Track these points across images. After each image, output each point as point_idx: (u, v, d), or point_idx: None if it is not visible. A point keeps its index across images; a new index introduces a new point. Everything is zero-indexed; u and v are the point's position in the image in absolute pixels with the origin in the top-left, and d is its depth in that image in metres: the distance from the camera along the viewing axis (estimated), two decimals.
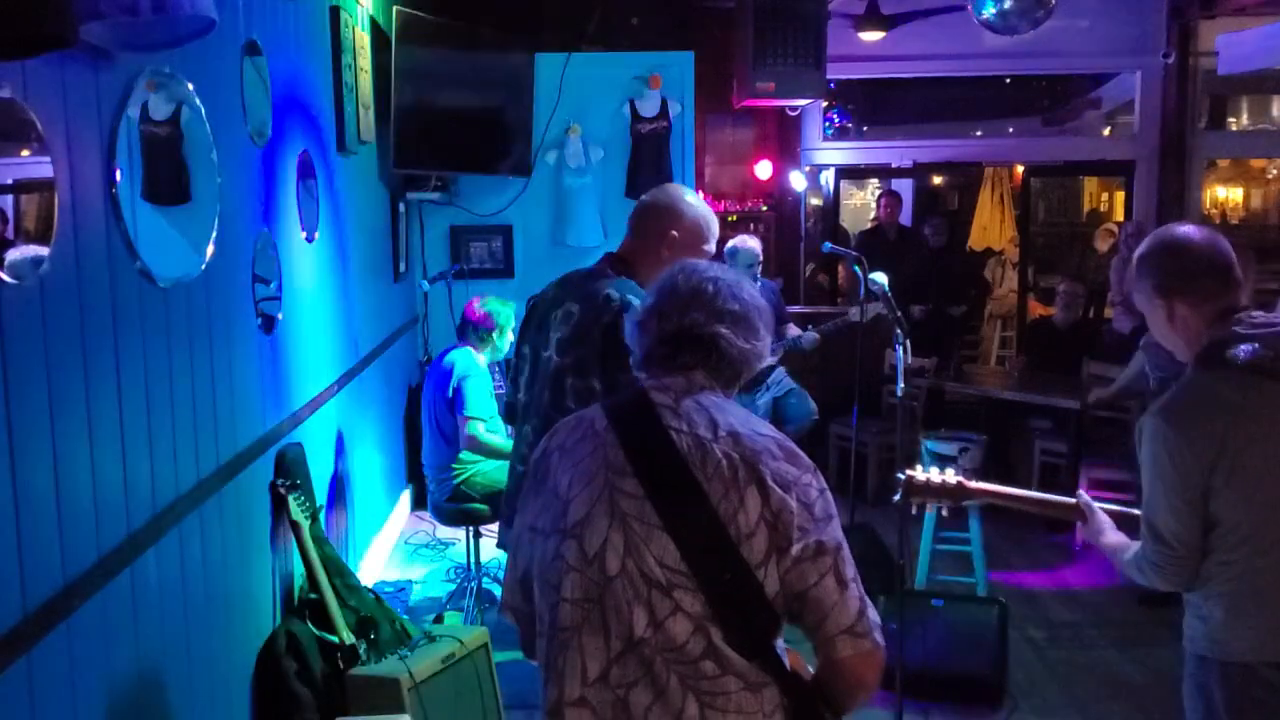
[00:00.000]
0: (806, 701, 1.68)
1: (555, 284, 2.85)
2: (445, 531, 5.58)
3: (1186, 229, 2.25)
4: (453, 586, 5.01)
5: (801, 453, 1.72)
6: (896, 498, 2.60)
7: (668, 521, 1.62)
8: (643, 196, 2.92)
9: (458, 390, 4.55)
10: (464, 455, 4.61)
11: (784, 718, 1.65)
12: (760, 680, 1.63)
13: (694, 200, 2.84)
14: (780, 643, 1.70)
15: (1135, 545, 2.25)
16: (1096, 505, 2.42)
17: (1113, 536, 2.35)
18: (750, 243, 5.89)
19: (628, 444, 1.69)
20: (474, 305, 4.81)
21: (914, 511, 2.64)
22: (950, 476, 2.53)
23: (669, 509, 1.63)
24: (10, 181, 2.03)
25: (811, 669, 1.73)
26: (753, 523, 1.61)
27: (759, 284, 5.83)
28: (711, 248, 2.82)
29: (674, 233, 2.74)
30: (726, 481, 1.63)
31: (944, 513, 2.59)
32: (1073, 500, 2.46)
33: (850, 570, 1.65)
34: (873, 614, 1.66)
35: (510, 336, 4.73)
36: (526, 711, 3.70)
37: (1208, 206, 10.23)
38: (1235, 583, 2.12)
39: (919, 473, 2.55)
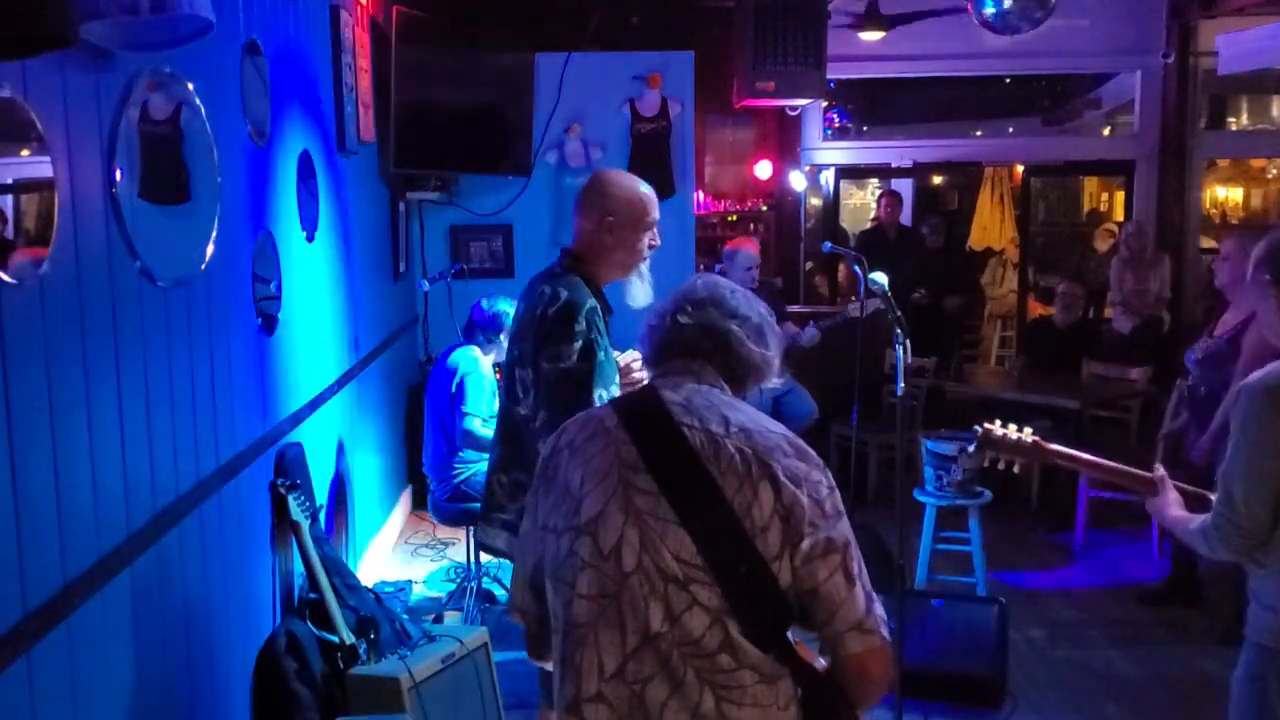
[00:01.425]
0: (820, 693, 1.68)
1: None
2: (445, 531, 5.58)
3: None
4: (453, 586, 5.01)
5: (810, 449, 1.73)
6: (972, 448, 2.59)
7: (683, 516, 1.64)
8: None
9: (460, 386, 4.56)
10: (466, 454, 4.61)
11: (798, 709, 1.66)
12: (775, 672, 1.64)
13: (623, 180, 2.89)
14: (791, 635, 1.71)
15: (1200, 517, 2.31)
16: (1171, 482, 2.47)
17: (1178, 510, 2.41)
18: (748, 246, 5.99)
19: (640, 440, 1.71)
20: (481, 305, 4.81)
21: (986, 464, 2.63)
22: (1027, 435, 2.53)
23: (684, 504, 1.64)
24: (10, 181, 2.03)
25: (822, 661, 1.74)
26: (766, 516, 1.63)
27: (756, 283, 5.86)
28: (654, 217, 2.86)
29: (609, 217, 2.79)
30: (740, 476, 1.64)
31: (1015, 470, 2.58)
32: (1149, 474, 2.49)
33: (857, 566, 1.67)
34: (879, 609, 1.68)
35: None
36: (526, 711, 3.70)
37: (1208, 206, 10.22)
38: None
39: (996, 426, 2.55)
